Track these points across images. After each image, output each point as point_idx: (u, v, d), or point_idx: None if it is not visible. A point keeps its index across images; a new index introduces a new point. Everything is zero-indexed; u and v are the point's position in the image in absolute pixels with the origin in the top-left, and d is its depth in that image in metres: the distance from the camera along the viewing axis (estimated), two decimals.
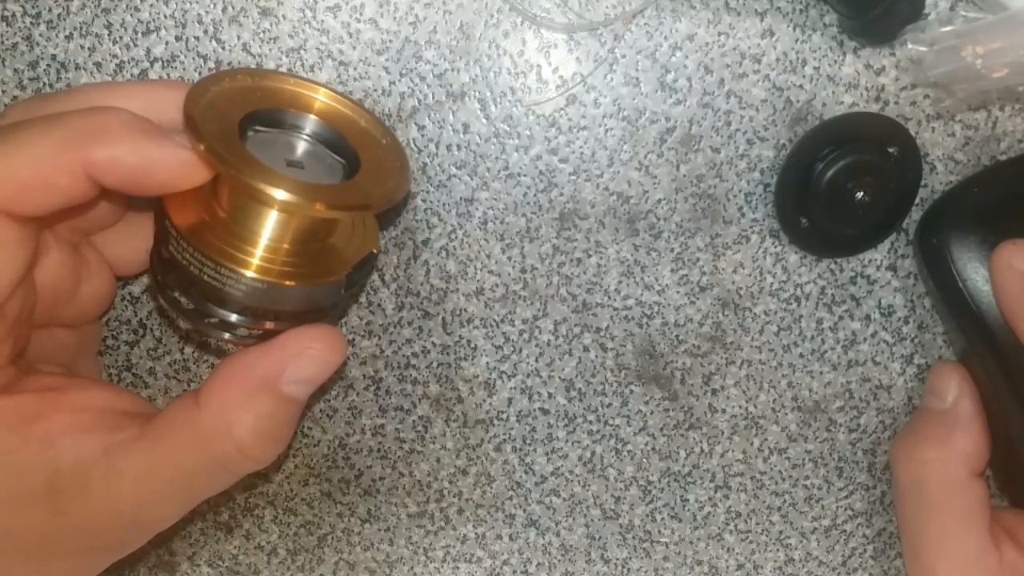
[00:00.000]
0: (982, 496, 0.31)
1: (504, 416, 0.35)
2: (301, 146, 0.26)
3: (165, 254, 0.25)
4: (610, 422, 0.35)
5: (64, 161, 0.22)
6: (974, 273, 0.30)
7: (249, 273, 0.23)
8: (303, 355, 0.25)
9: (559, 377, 0.34)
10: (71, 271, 0.27)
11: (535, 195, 0.32)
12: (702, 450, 0.36)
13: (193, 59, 0.30)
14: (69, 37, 0.30)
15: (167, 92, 0.25)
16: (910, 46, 0.28)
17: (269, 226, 0.24)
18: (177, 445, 0.24)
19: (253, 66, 0.30)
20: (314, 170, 0.26)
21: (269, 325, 0.25)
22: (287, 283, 0.24)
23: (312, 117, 0.26)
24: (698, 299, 0.33)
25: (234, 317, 0.24)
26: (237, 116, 0.24)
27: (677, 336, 0.34)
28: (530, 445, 0.35)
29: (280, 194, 0.22)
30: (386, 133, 0.27)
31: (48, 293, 0.26)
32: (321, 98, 0.27)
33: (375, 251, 0.27)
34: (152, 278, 0.26)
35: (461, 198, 0.32)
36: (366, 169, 0.26)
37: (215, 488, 0.26)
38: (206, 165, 0.23)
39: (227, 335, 0.25)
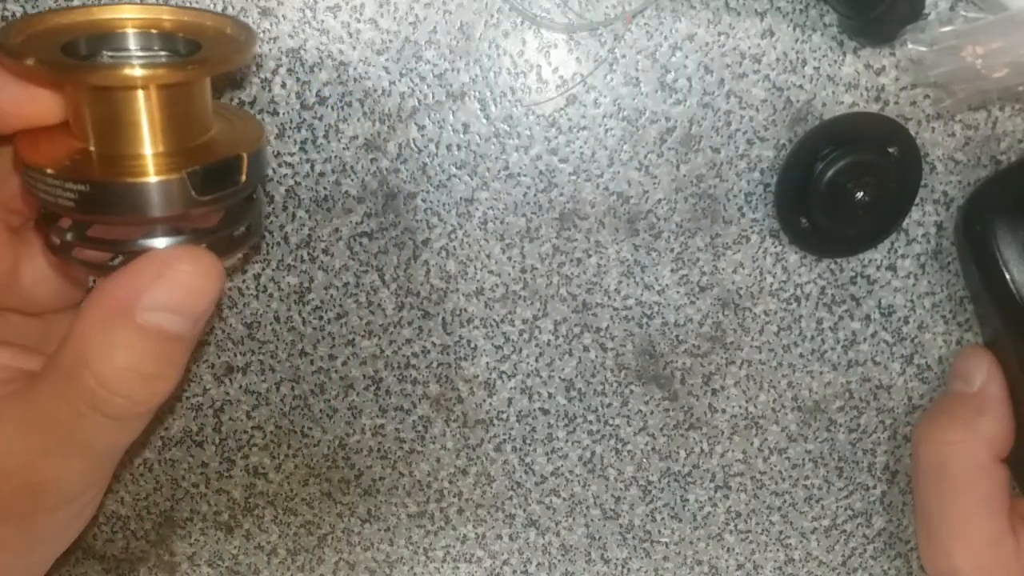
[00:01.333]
0: (1003, 481, 0.31)
1: (504, 416, 0.35)
2: (135, 62, 0.25)
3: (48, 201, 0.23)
4: (610, 422, 0.35)
5: None
6: (1019, 259, 0.30)
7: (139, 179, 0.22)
8: (162, 278, 0.22)
9: (559, 377, 0.34)
10: (5, 252, 0.26)
11: (535, 195, 0.32)
12: (702, 450, 0.36)
13: None
14: None
15: None
16: (910, 46, 0.28)
17: (135, 128, 0.23)
18: (47, 388, 0.22)
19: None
20: None
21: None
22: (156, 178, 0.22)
23: (133, 31, 0.25)
24: (698, 299, 0.33)
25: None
26: (56, 47, 0.23)
27: (677, 336, 0.34)
28: (530, 445, 0.35)
29: (132, 71, 0.21)
30: (216, 17, 0.25)
31: None
32: (134, 15, 0.25)
33: (244, 153, 0.24)
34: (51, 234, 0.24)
35: (461, 198, 0.32)
36: (208, 46, 0.24)
37: (105, 439, 0.24)
38: (41, 81, 0.22)
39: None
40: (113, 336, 0.22)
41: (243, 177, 0.23)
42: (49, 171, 0.22)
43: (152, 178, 0.22)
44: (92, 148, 0.23)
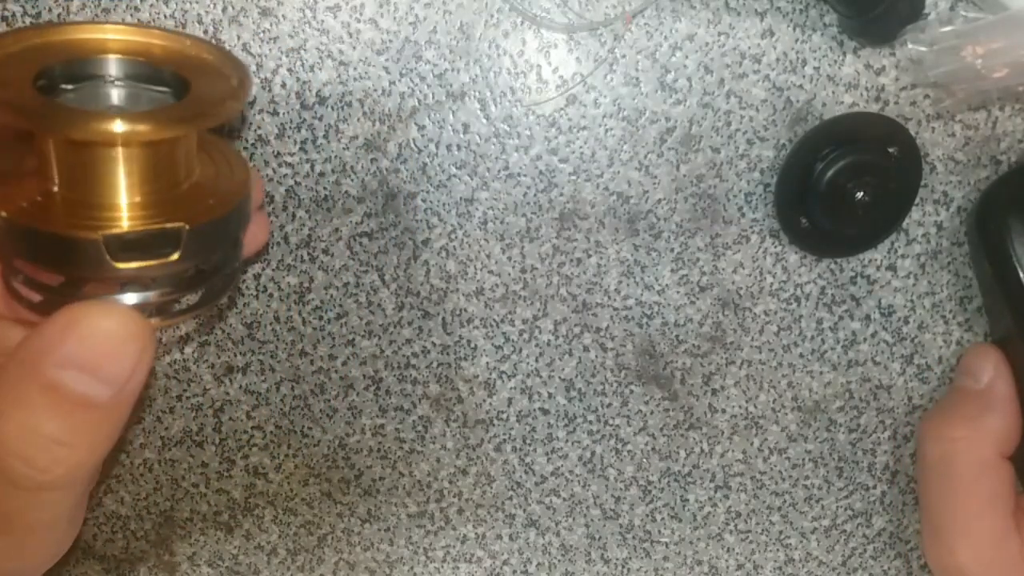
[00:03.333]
0: (1009, 479, 0.31)
1: (504, 416, 0.35)
2: (116, 93, 0.23)
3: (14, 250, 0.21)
4: (610, 422, 0.35)
5: None
6: None
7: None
8: (72, 332, 0.19)
9: (559, 377, 0.34)
10: None
11: (535, 195, 0.32)
12: (702, 450, 0.36)
13: None
14: None
15: None
16: (910, 46, 0.28)
17: (108, 178, 0.21)
18: None
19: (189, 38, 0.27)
20: (139, 109, 0.23)
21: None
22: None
23: (116, 58, 0.23)
24: (698, 299, 0.33)
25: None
26: (30, 77, 0.21)
27: (677, 336, 0.34)
28: (530, 445, 0.35)
29: (111, 125, 0.19)
30: (210, 49, 0.23)
31: None
32: (120, 36, 0.23)
33: (229, 210, 0.22)
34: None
35: (461, 198, 0.32)
36: (198, 87, 0.22)
37: (15, 509, 0.21)
38: (11, 120, 0.20)
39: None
40: (18, 392, 0.19)
41: (175, 254, 0.21)
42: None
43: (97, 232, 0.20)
44: (56, 190, 0.21)
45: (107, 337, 0.19)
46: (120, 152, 0.21)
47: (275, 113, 0.30)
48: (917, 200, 0.32)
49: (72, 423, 0.20)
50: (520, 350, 0.34)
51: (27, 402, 0.19)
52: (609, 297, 0.33)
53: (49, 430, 0.20)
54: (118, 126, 0.19)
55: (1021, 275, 0.31)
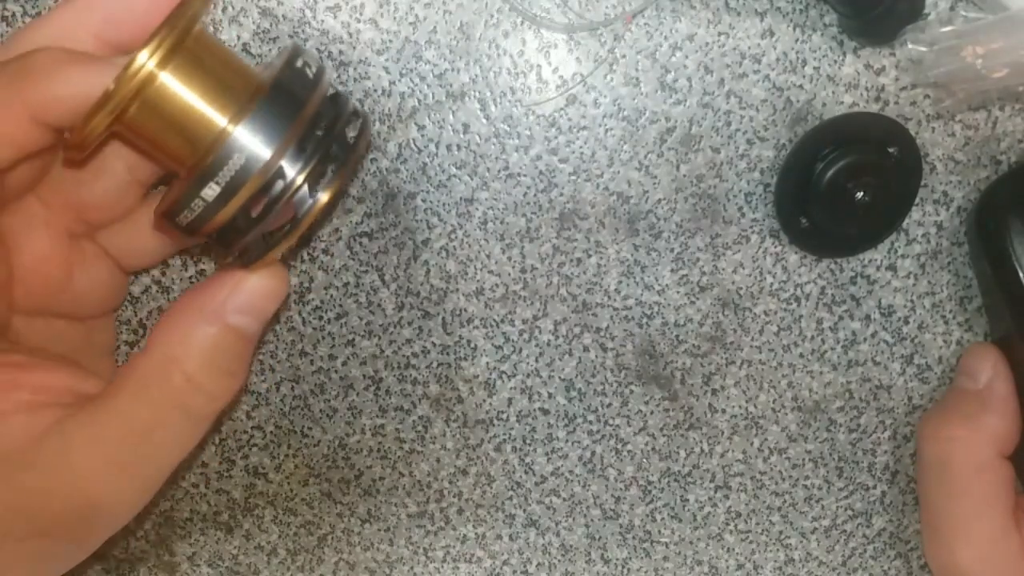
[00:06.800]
0: (1007, 478, 0.31)
1: (504, 416, 0.35)
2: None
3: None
4: (610, 422, 0.35)
5: (4, 110, 0.22)
6: None
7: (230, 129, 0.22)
8: (243, 283, 0.24)
9: (559, 377, 0.34)
10: (62, 259, 0.27)
11: (535, 195, 0.32)
12: (702, 450, 0.36)
13: None
14: None
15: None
16: (910, 46, 0.28)
17: (193, 112, 0.23)
18: (126, 396, 0.24)
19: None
20: None
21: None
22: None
23: None
24: (698, 299, 0.33)
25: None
26: None
27: (677, 336, 0.34)
28: (530, 445, 0.35)
29: (138, 59, 0.21)
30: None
31: (34, 277, 0.26)
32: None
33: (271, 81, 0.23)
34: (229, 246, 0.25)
35: (461, 198, 0.32)
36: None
37: (175, 440, 0.25)
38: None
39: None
40: (202, 338, 0.24)
41: (311, 72, 0.23)
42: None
43: (237, 124, 0.22)
44: (185, 166, 0.23)
45: (270, 284, 0.25)
46: (172, 82, 0.22)
47: None
48: (917, 200, 0.32)
49: (241, 357, 0.25)
50: (520, 350, 0.34)
51: (212, 342, 0.24)
52: (609, 297, 0.33)
53: (226, 364, 0.25)
54: (141, 56, 0.21)
55: (1021, 275, 0.31)
